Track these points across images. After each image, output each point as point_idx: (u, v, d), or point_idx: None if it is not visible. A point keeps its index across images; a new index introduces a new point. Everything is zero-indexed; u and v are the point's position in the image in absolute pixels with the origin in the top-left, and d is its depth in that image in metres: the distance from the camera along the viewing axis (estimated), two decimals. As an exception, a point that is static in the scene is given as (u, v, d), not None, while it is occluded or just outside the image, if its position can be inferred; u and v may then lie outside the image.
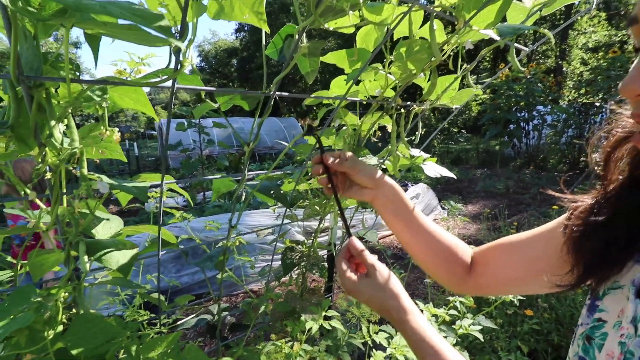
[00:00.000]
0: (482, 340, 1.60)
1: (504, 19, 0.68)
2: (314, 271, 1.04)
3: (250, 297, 1.30)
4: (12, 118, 0.39)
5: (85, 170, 0.47)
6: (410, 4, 0.58)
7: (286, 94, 0.60)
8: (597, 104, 6.46)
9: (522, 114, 7.69)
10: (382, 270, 0.52)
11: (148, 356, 0.67)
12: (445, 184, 6.89)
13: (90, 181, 0.46)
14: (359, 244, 0.55)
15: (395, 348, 0.77)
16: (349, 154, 0.62)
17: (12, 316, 0.55)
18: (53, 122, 0.39)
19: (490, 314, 1.78)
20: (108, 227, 0.69)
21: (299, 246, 1.12)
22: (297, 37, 0.50)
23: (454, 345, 1.07)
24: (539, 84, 7.30)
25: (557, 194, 0.51)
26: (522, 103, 7.41)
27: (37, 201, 0.58)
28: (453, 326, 0.97)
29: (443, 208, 4.83)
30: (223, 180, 0.90)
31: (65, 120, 0.43)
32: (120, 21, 0.37)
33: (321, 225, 1.14)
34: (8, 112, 0.42)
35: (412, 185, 4.88)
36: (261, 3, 0.56)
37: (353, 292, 0.52)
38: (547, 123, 7.44)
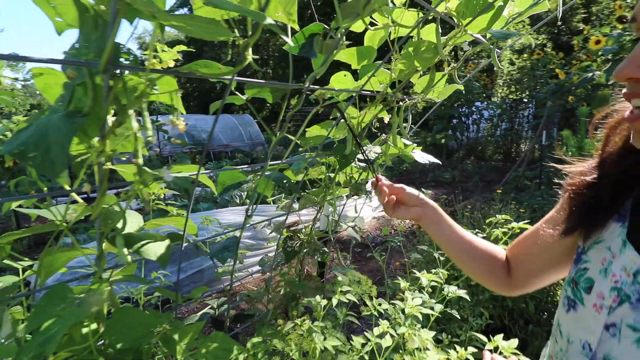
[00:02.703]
0: (464, 303, 1.78)
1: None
2: (316, 256, 1.10)
3: (246, 290, 1.32)
4: (89, 107, 0.40)
5: (141, 161, 0.48)
6: (421, 11, 0.66)
7: (317, 87, 0.65)
8: (525, 100, 7.32)
9: (463, 109, 8.42)
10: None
11: (183, 343, 0.68)
12: (398, 176, 7.31)
13: (155, 171, 0.48)
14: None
15: (411, 308, 0.87)
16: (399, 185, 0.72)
17: (53, 315, 0.54)
18: (131, 112, 0.41)
19: (457, 285, 2.00)
20: (130, 221, 0.69)
21: (298, 234, 1.17)
22: (339, 35, 0.56)
23: (437, 312, 1.21)
24: (476, 82, 8.05)
25: (558, 165, 0.62)
26: (462, 99, 8.12)
27: (75, 195, 0.57)
28: (442, 292, 1.11)
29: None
30: (231, 173, 0.92)
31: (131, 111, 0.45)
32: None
33: (318, 215, 1.21)
34: (77, 102, 0.42)
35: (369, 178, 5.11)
36: (293, 4, 0.61)
37: None
38: (485, 117, 8.23)
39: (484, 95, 8.48)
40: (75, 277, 0.76)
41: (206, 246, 1.23)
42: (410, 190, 0.70)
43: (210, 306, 1.13)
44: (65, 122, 0.37)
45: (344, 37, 0.57)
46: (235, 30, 0.47)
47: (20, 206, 0.63)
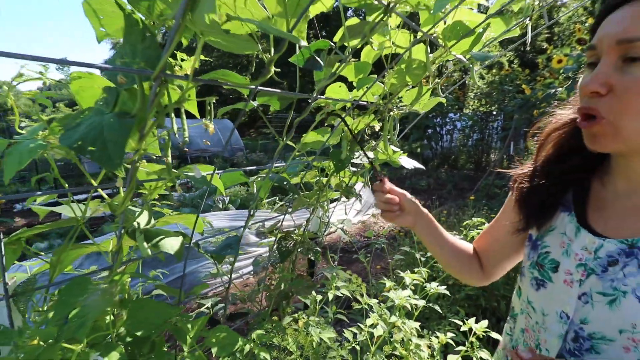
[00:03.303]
0: (443, 302, 1.89)
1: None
2: (309, 255, 1.16)
3: (235, 292, 1.35)
4: (137, 109, 0.44)
5: (169, 159, 0.53)
6: (413, 33, 0.76)
7: (323, 97, 0.72)
8: (494, 113, 7.77)
9: (438, 120, 8.81)
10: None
11: (191, 334, 0.72)
12: (377, 183, 7.50)
13: (182, 168, 0.53)
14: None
15: (400, 299, 0.95)
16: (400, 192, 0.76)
17: (77, 305, 0.57)
18: (172, 115, 0.46)
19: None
20: (145, 218, 0.72)
21: (292, 235, 1.23)
22: (347, 53, 0.64)
23: (420, 307, 1.30)
24: (450, 94, 8.46)
25: (504, 170, 0.73)
26: (437, 110, 8.50)
27: (100, 191, 0.60)
28: (425, 288, 1.20)
29: (379, 204, 5.28)
30: (233, 174, 0.97)
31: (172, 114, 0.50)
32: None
33: (311, 216, 1.27)
34: (122, 105, 0.47)
35: (365, 187, 5.23)
36: (305, 23, 0.68)
37: None
38: (457, 128, 8.64)
39: (457, 107, 8.93)
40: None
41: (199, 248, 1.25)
42: (409, 196, 0.74)
43: (205, 306, 1.16)
44: (118, 122, 0.42)
45: (351, 55, 0.65)
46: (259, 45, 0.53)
47: (35, 201, 0.65)
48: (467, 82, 12.70)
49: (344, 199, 1.37)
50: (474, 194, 5.53)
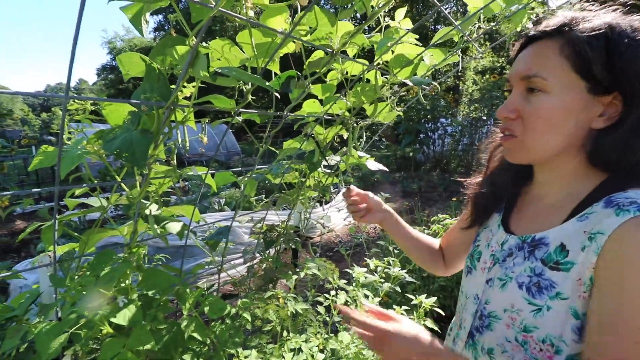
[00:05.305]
0: (419, 293, 2.09)
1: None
2: (290, 243, 1.37)
3: (231, 278, 1.55)
4: (154, 128, 0.65)
5: (175, 162, 0.74)
6: (365, 66, 0.98)
7: (292, 114, 0.93)
8: (484, 118, 8.04)
9: (429, 125, 9.07)
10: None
11: (190, 301, 0.92)
12: (370, 186, 7.71)
13: (182, 169, 0.73)
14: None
15: (357, 274, 1.15)
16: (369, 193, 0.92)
17: (104, 268, 0.77)
18: (180, 128, 0.66)
19: (410, 276, 2.31)
20: (154, 207, 0.93)
21: (276, 227, 1.43)
22: (308, 82, 0.85)
23: (388, 292, 1.50)
24: (442, 100, 8.74)
25: (462, 179, 0.92)
26: (429, 116, 8.76)
27: (123, 185, 0.81)
28: (398, 278, 1.40)
29: (370, 206, 5.50)
30: (224, 174, 1.17)
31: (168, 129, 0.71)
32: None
33: (292, 212, 1.48)
34: (143, 125, 0.68)
35: (343, 188, 5.45)
36: (276, 63, 0.89)
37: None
38: (448, 133, 8.90)
39: (449, 112, 9.21)
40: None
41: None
42: (372, 196, 0.91)
43: (197, 284, 1.36)
44: (143, 137, 0.63)
45: (310, 83, 0.86)
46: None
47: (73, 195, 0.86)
48: (460, 87, 13.00)
49: (336, 201, 1.58)
50: (462, 196, 5.76)
